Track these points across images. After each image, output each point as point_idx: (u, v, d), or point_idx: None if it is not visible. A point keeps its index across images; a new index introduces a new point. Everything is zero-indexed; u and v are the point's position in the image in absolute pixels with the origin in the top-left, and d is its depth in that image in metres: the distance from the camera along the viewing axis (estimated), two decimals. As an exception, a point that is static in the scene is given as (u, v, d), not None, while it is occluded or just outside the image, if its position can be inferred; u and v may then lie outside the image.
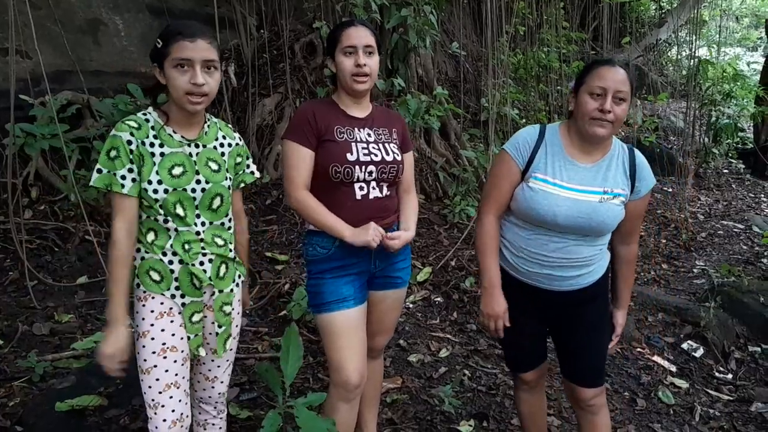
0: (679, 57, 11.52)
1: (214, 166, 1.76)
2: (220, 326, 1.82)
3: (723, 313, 3.94)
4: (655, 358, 3.58)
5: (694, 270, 5.07)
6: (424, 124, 5.04)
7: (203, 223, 1.74)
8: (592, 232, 1.93)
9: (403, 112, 4.52)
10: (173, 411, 1.71)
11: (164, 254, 1.70)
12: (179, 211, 1.68)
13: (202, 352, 1.80)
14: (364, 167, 1.94)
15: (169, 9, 5.27)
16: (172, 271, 1.71)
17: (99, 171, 1.62)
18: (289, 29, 5.69)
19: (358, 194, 1.96)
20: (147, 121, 1.68)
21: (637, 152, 2.00)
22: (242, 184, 1.90)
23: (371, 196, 1.97)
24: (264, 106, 5.32)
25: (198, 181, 1.71)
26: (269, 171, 4.97)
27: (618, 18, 10.03)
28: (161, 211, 1.67)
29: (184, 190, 1.68)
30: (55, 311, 3.30)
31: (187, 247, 1.71)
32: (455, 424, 2.79)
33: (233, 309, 1.87)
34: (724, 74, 8.08)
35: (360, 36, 1.93)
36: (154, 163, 1.65)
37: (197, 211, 1.72)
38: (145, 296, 1.72)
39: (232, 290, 1.85)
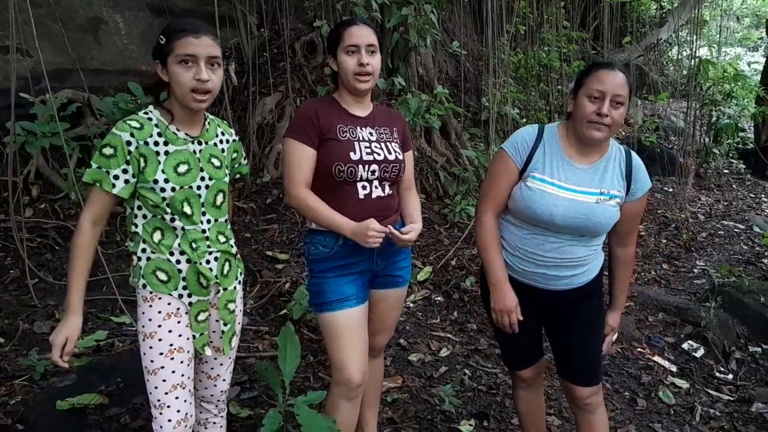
0: (679, 57, 11.53)
1: (216, 163, 1.76)
2: (225, 324, 1.81)
3: (723, 313, 3.94)
4: (656, 358, 3.59)
5: (695, 270, 5.07)
6: (425, 123, 5.04)
7: (208, 221, 1.74)
8: (588, 233, 1.95)
9: (404, 111, 4.52)
10: (178, 411, 1.72)
11: (171, 254, 1.69)
12: (187, 209, 1.68)
13: (208, 351, 1.79)
14: (367, 166, 1.94)
15: (170, 8, 5.27)
16: (179, 271, 1.70)
17: (90, 166, 1.61)
18: (289, 28, 5.69)
19: (361, 193, 1.95)
20: (150, 119, 1.66)
21: (634, 154, 2.02)
22: (238, 176, 1.92)
23: (374, 195, 1.97)
24: (264, 104, 5.32)
25: (202, 178, 1.71)
26: (270, 170, 4.97)
27: (619, 17, 10.03)
28: (168, 210, 1.66)
29: (190, 187, 1.68)
30: (55, 309, 3.30)
31: (194, 245, 1.70)
32: (456, 424, 2.79)
33: (237, 306, 1.87)
34: (725, 74, 8.07)
35: (362, 35, 1.92)
36: (159, 162, 1.63)
37: (203, 209, 1.72)
38: (151, 297, 1.70)
39: (235, 288, 1.85)
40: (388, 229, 1.89)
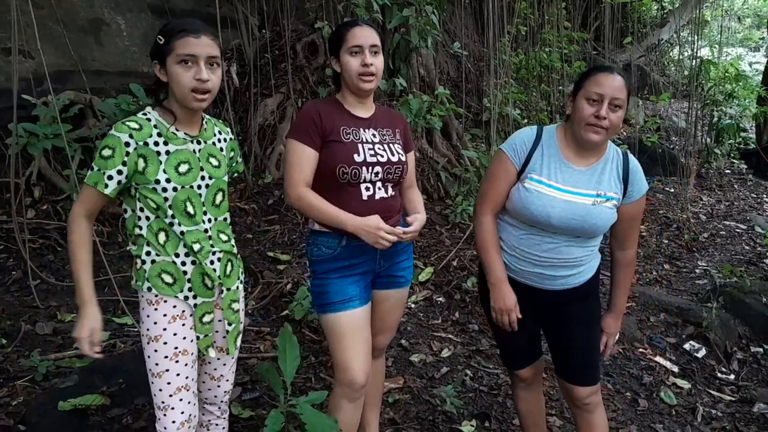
0: (680, 57, 11.52)
1: (215, 162, 1.76)
2: (230, 324, 1.82)
3: (725, 314, 3.94)
4: (657, 358, 3.58)
5: (696, 270, 5.07)
6: (426, 124, 5.04)
7: (209, 220, 1.74)
8: (585, 234, 1.96)
9: (405, 112, 4.52)
10: (182, 413, 1.72)
11: (177, 255, 1.68)
12: (190, 209, 1.67)
13: (212, 353, 1.79)
14: (370, 168, 1.94)
15: (171, 9, 5.28)
16: (185, 273, 1.70)
17: (91, 169, 1.61)
18: (290, 29, 5.69)
19: (365, 195, 1.95)
20: (149, 120, 1.66)
21: (631, 157, 2.03)
22: (235, 174, 1.93)
23: (377, 197, 1.97)
24: (266, 106, 5.33)
25: (202, 177, 1.71)
26: (271, 171, 4.97)
27: (620, 18, 10.03)
28: (170, 212, 1.65)
29: (191, 187, 1.68)
30: (57, 311, 3.31)
31: (198, 246, 1.70)
32: (457, 424, 2.79)
33: (240, 306, 1.87)
34: (726, 74, 8.07)
35: (366, 36, 1.93)
36: (161, 162, 1.63)
37: (204, 208, 1.72)
38: (157, 300, 1.69)
39: (237, 287, 1.85)
40: (400, 231, 1.90)
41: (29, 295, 3.35)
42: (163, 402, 1.70)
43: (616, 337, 2.19)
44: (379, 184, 1.98)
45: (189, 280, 1.70)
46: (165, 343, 1.69)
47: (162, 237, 1.67)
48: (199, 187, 1.70)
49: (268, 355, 3.07)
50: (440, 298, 3.96)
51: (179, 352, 1.70)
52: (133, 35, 5.02)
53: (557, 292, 2.04)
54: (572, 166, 1.97)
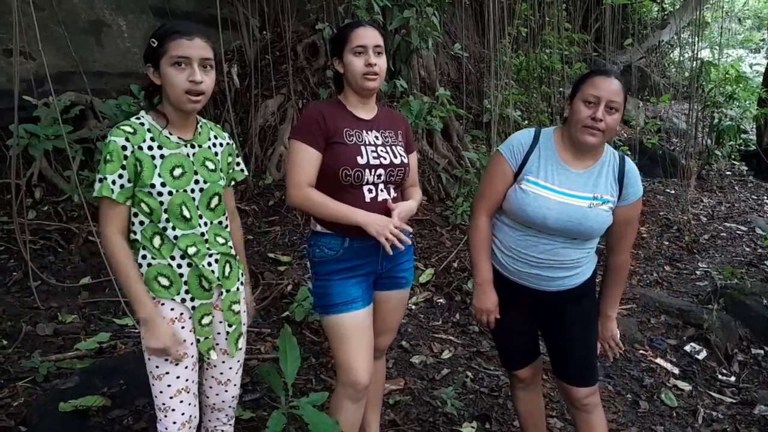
0: (681, 58, 11.51)
1: (211, 166, 1.75)
2: (230, 325, 1.81)
3: (726, 316, 3.94)
4: (658, 360, 3.58)
5: (697, 272, 5.07)
6: (427, 125, 5.04)
7: (205, 223, 1.74)
8: (581, 236, 1.97)
9: (406, 114, 4.52)
10: (183, 414, 1.73)
11: (172, 258, 1.69)
12: (185, 212, 1.67)
13: (213, 355, 1.79)
14: (373, 170, 1.94)
15: (172, 10, 5.29)
16: (181, 275, 1.70)
17: (101, 180, 1.60)
18: (291, 30, 5.70)
19: (367, 197, 1.95)
20: (142, 124, 1.66)
21: (628, 160, 2.05)
22: (233, 182, 1.90)
23: (379, 199, 1.98)
24: (267, 107, 5.33)
25: (196, 181, 1.71)
26: (272, 172, 4.97)
27: (620, 19, 10.04)
28: (164, 216, 1.65)
29: (185, 191, 1.68)
30: (58, 312, 3.31)
31: (193, 249, 1.70)
32: (457, 426, 2.79)
33: (240, 307, 1.87)
34: (727, 76, 8.07)
35: (369, 36, 1.93)
36: (155, 166, 1.63)
37: (199, 212, 1.72)
38: (154, 303, 1.69)
39: (238, 288, 1.85)
40: (407, 229, 1.91)
41: (30, 296, 3.36)
42: (163, 404, 1.71)
43: (615, 340, 2.18)
44: (381, 186, 1.98)
45: (186, 283, 1.70)
46: None
47: (157, 241, 1.67)
48: (193, 191, 1.70)
49: (269, 357, 3.07)
50: (441, 300, 3.96)
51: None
52: (134, 36, 5.03)
53: (554, 293, 2.05)
54: (569, 168, 1.98)
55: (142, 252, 1.68)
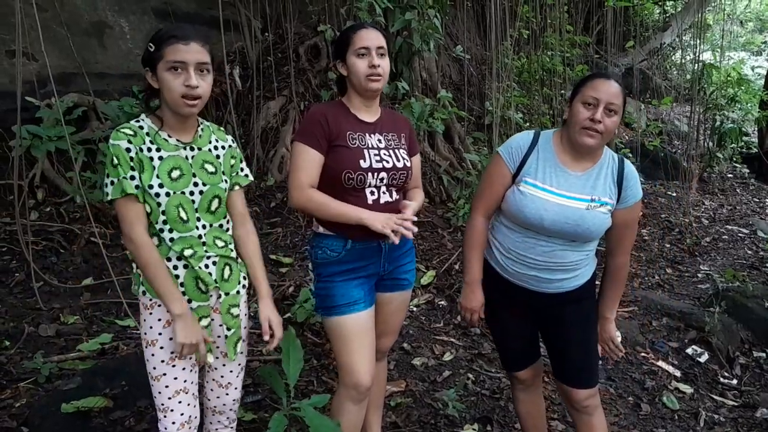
0: (683, 61, 11.50)
1: (211, 169, 1.75)
2: (228, 329, 1.81)
3: (728, 318, 3.93)
4: (660, 362, 3.58)
5: (699, 275, 5.06)
6: (428, 127, 5.04)
7: (204, 226, 1.74)
8: (579, 238, 1.98)
9: (407, 116, 4.53)
10: (182, 414, 1.74)
11: (168, 260, 1.69)
12: (182, 214, 1.68)
13: (210, 358, 1.79)
14: (376, 174, 1.95)
15: (174, 12, 5.30)
16: (177, 277, 1.70)
17: (112, 183, 1.61)
18: (293, 32, 5.70)
19: (370, 199, 1.96)
20: (141, 128, 1.67)
21: (627, 162, 2.05)
22: (236, 187, 1.86)
23: (382, 201, 1.98)
24: (268, 109, 5.34)
25: (195, 184, 1.71)
26: (273, 174, 4.98)
27: (622, 22, 10.04)
28: (161, 218, 1.66)
29: (183, 193, 1.68)
30: (60, 313, 3.31)
31: (190, 252, 1.70)
32: (459, 428, 2.79)
33: (240, 311, 1.86)
34: (729, 78, 8.07)
35: (372, 38, 1.94)
36: (154, 168, 1.64)
37: (197, 214, 1.72)
38: (151, 304, 1.71)
39: (238, 292, 1.84)
40: (411, 218, 1.91)
41: (32, 296, 3.36)
42: (162, 404, 1.73)
43: (614, 342, 2.18)
44: (383, 188, 1.99)
45: (182, 284, 1.71)
46: (161, 348, 1.71)
47: (155, 241, 1.68)
48: (192, 193, 1.70)
49: (270, 358, 3.07)
50: (442, 302, 3.96)
51: (176, 356, 1.71)
52: (136, 38, 5.04)
53: (553, 295, 2.05)
54: (567, 170, 1.99)
55: None
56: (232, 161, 1.85)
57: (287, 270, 3.95)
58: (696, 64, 7.55)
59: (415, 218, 1.95)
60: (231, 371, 1.89)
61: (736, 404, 3.27)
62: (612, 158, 2.04)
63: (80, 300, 3.48)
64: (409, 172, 2.05)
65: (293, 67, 5.48)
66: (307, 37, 5.98)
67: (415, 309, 3.81)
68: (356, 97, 2.01)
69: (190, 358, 1.75)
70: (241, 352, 1.89)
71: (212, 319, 1.80)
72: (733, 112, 8.61)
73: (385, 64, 1.96)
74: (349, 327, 1.96)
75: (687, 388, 3.36)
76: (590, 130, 1.89)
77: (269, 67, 5.41)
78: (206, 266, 1.73)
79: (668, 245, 5.74)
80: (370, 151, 1.96)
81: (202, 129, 1.79)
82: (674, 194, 7.33)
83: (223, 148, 1.82)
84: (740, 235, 6.21)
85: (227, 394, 1.91)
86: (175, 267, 1.70)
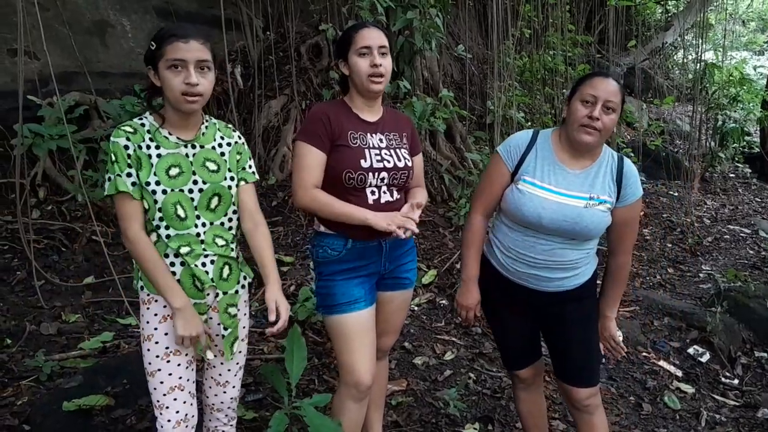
0: (685, 60, 11.49)
1: (213, 167, 1.75)
2: (225, 328, 1.81)
3: (729, 318, 3.93)
4: (661, 362, 3.57)
5: (700, 274, 5.06)
6: (430, 126, 5.04)
7: (203, 224, 1.74)
8: (578, 236, 1.98)
9: (409, 115, 4.52)
10: (177, 412, 1.75)
11: (166, 256, 1.70)
12: (180, 212, 1.68)
13: (210, 355, 1.80)
14: (377, 174, 1.94)
15: (176, 11, 5.30)
16: (174, 273, 1.71)
17: (109, 179, 1.63)
18: (295, 31, 5.70)
19: (370, 199, 1.96)
20: (143, 125, 1.69)
21: (627, 161, 2.05)
22: (243, 183, 1.83)
23: (382, 201, 1.98)
24: (270, 107, 5.34)
25: (195, 182, 1.71)
26: (275, 172, 4.98)
27: (624, 21, 10.02)
28: (158, 215, 1.67)
29: (182, 190, 1.69)
30: (62, 311, 3.32)
31: (186, 249, 1.70)
32: (460, 427, 2.79)
33: (239, 311, 1.86)
34: (731, 78, 8.06)
35: (374, 37, 1.93)
36: (152, 165, 1.66)
37: (197, 212, 1.72)
38: (149, 299, 1.73)
39: (237, 291, 1.84)
40: (414, 216, 1.92)
41: (34, 295, 3.36)
42: (158, 401, 1.74)
43: (615, 340, 2.17)
44: (384, 188, 1.99)
45: (179, 281, 1.71)
46: (156, 343, 1.72)
47: (153, 237, 1.70)
48: (191, 191, 1.71)
49: (272, 357, 3.08)
50: (443, 301, 3.96)
51: (170, 352, 1.72)
52: (138, 37, 5.04)
53: (553, 293, 2.05)
54: (566, 168, 1.99)
55: None
56: (238, 157, 1.84)
57: (288, 269, 3.96)
58: (698, 64, 7.54)
59: (416, 229, 1.93)
60: (229, 370, 1.90)
61: (737, 404, 3.26)
62: (611, 156, 2.04)
63: (82, 298, 3.49)
64: (410, 172, 2.05)
65: (295, 66, 5.48)
66: (309, 36, 5.98)
67: (416, 308, 3.81)
68: (358, 96, 2.01)
69: (187, 355, 1.76)
70: (240, 352, 1.90)
71: (210, 317, 1.81)
72: (735, 111, 8.60)
73: (387, 64, 1.96)
74: (350, 326, 1.96)
75: (688, 388, 3.36)
76: (588, 128, 1.89)
77: (271, 66, 5.41)
78: (203, 264, 1.73)
79: (670, 245, 5.74)
80: (371, 150, 1.96)
81: (206, 127, 1.79)
82: (676, 194, 7.32)
83: (228, 144, 1.82)
84: (742, 234, 6.20)
85: (225, 392, 1.91)
86: (172, 264, 1.71)
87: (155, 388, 1.73)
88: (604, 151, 2.03)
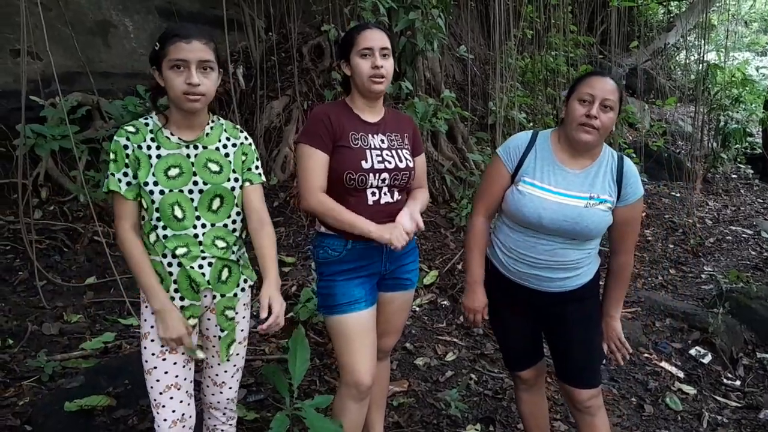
0: (687, 61, 11.48)
1: (215, 168, 1.75)
2: (222, 330, 1.81)
3: (731, 319, 3.92)
4: (663, 363, 3.57)
5: (702, 275, 5.05)
6: (432, 127, 5.04)
7: (203, 225, 1.73)
8: (579, 236, 1.98)
9: (410, 115, 4.52)
10: (173, 411, 1.75)
11: (164, 256, 1.71)
12: (178, 212, 1.69)
13: (201, 355, 1.80)
14: (377, 174, 1.95)
15: (178, 11, 5.31)
16: (171, 273, 1.72)
17: (107, 177, 1.67)
18: (297, 32, 5.71)
19: (370, 200, 1.96)
20: (147, 125, 1.70)
21: (627, 160, 2.05)
22: (248, 184, 1.82)
23: (382, 201, 1.98)
24: (272, 108, 5.35)
25: (195, 183, 1.71)
26: (276, 173, 4.98)
27: (626, 22, 10.01)
28: (155, 215, 1.68)
29: (181, 191, 1.69)
30: (64, 311, 3.32)
31: (183, 250, 1.70)
32: (461, 428, 2.78)
33: (237, 314, 1.85)
34: (733, 79, 8.06)
35: (376, 38, 1.93)
36: (151, 165, 1.67)
37: (197, 213, 1.72)
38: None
39: (235, 294, 1.83)
40: (412, 227, 1.94)
41: (35, 295, 3.37)
42: (155, 399, 1.74)
43: (621, 340, 2.17)
44: (385, 189, 1.99)
45: (175, 281, 1.72)
46: (152, 341, 1.73)
47: (153, 237, 1.71)
48: (191, 191, 1.71)
49: (273, 357, 3.08)
50: (445, 302, 3.96)
51: (166, 350, 1.73)
52: (140, 37, 5.05)
53: (555, 294, 2.05)
54: (566, 168, 1.99)
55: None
56: (244, 158, 1.83)
57: (290, 269, 3.96)
58: (700, 65, 7.54)
59: (419, 225, 1.96)
60: (225, 371, 1.90)
61: (739, 405, 3.26)
62: (611, 156, 2.04)
63: (83, 299, 3.49)
64: (411, 173, 2.05)
65: (297, 67, 5.48)
66: (311, 37, 5.98)
67: (417, 309, 3.81)
68: (359, 97, 2.02)
69: (183, 354, 1.76)
70: (237, 354, 1.89)
71: (208, 318, 1.82)
72: (737, 112, 8.59)
73: (388, 65, 1.96)
74: (350, 326, 1.96)
75: (690, 389, 3.35)
76: (587, 127, 1.90)
77: (273, 66, 5.42)
78: (200, 267, 1.73)
79: (672, 246, 5.73)
80: (372, 151, 1.96)
81: (211, 127, 1.79)
82: (678, 195, 7.31)
83: (234, 145, 1.82)
84: (744, 235, 6.19)
85: (222, 393, 1.92)
86: (170, 264, 1.71)
87: (152, 387, 1.74)
88: (603, 151, 2.03)
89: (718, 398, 3.32)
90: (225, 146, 1.80)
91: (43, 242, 3.81)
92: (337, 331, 1.98)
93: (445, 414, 2.86)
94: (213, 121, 1.80)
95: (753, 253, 5.69)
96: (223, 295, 1.79)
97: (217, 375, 1.89)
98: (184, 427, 1.77)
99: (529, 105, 6.72)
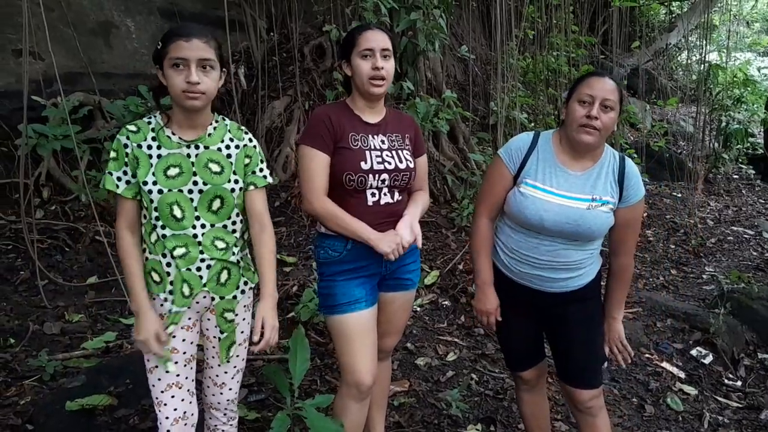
0: (689, 61, 11.48)
1: (216, 168, 1.74)
2: (221, 332, 1.82)
3: (732, 320, 3.91)
4: (664, 364, 3.57)
5: (704, 276, 5.04)
6: (433, 127, 5.04)
7: (203, 226, 1.73)
8: (580, 238, 1.98)
9: (412, 116, 4.53)
10: (175, 410, 1.77)
11: (164, 256, 1.71)
12: (177, 212, 1.69)
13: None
14: (377, 175, 1.95)
15: (180, 12, 5.31)
16: (168, 274, 1.72)
17: (107, 175, 1.69)
18: (298, 32, 5.72)
19: (370, 200, 1.97)
20: (149, 124, 1.71)
21: (628, 160, 2.05)
22: (252, 187, 1.81)
23: (382, 202, 1.99)
24: (273, 108, 5.35)
25: (195, 183, 1.71)
26: (278, 173, 4.99)
27: (627, 22, 10.01)
28: (154, 214, 1.68)
29: (180, 191, 1.69)
30: (65, 311, 3.33)
31: (182, 251, 1.71)
32: (462, 428, 2.78)
33: (237, 315, 1.85)
34: (735, 79, 8.05)
35: (377, 39, 1.93)
36: (151, 165, 1.67)
37: (196, 213, 1.72)
38: (149, 296, 1.74)
39: (235, 297, 1.83)
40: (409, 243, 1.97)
41: (37, 295, 3.38)
42: (157, 397, 1.76)
43: (623, 342, 2.17)
44: (385, 190, 1.99)
45: (171, 283, 1.73)
46: None
47: (153, 236, 1.72)
48: (190, 191, 1.71)
49: (274, 357, 3.08)
50: (446, 302, 3.96)
51: (167, 349, 1.74)
52: (142, 38, 5.06)
53: (556, 294, 2.05)
54: (567, 170, 1.99)
55: (143, 245, 1.75)
56: (247, 160, 1.80)
57: (291, 269, 3.96)
58: (702, 65, 7.53)
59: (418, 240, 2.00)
60: (226, 372, 1.90)
61: (740, 406, 3.25)
62: (613, 156, 2.04)
63: (85, 298, 3.50)
64: (412, 173, 2.05)
65: (298, 67, 5.49)
66: (312, 37, 5.99)
67: (418, 309, 3.82)
68: (360, 98, 2.02)
69: (185, 353, 1.78)
70: (237, 355, 1.89)
71: (208, 319, 1.83)
72: (738, 112, 8.58)
73: (389, 67, 1.96)
74: (351, 326, 1.96)
75: (691, 390, 3.35)
76: (587, 127, 1.89)
77: (274, 66, 5.42)
78: (197, 269, 1.73)
79: (673, 246, 5.72)
80: (371, 152, 1.96)
81: (215, 127, 1.78)
82: (679, 195, 7.31)
83: (237, 147, 1.80)
84: (746, 236, 6.18)
85: (222, 393, 1.92)
86: (168, 264, 1.72)
87: (154, 385, 1.76)
88: (605, 152, 2.03)
89: (719, 399, 3.31)
90: (228, 147, 1.78)
91: (45, 242, 3.82)
92: (338, 331, 1.99)
93: (446, 414, 2.86)
94: (217, 122, 1.79)
95: (754, 253, 5.68)
96: (222, 298, 1.79)
97: (217, 376, 1.90)
98: (186, 424, 1.78)
99: (531, 105, 6.72)
